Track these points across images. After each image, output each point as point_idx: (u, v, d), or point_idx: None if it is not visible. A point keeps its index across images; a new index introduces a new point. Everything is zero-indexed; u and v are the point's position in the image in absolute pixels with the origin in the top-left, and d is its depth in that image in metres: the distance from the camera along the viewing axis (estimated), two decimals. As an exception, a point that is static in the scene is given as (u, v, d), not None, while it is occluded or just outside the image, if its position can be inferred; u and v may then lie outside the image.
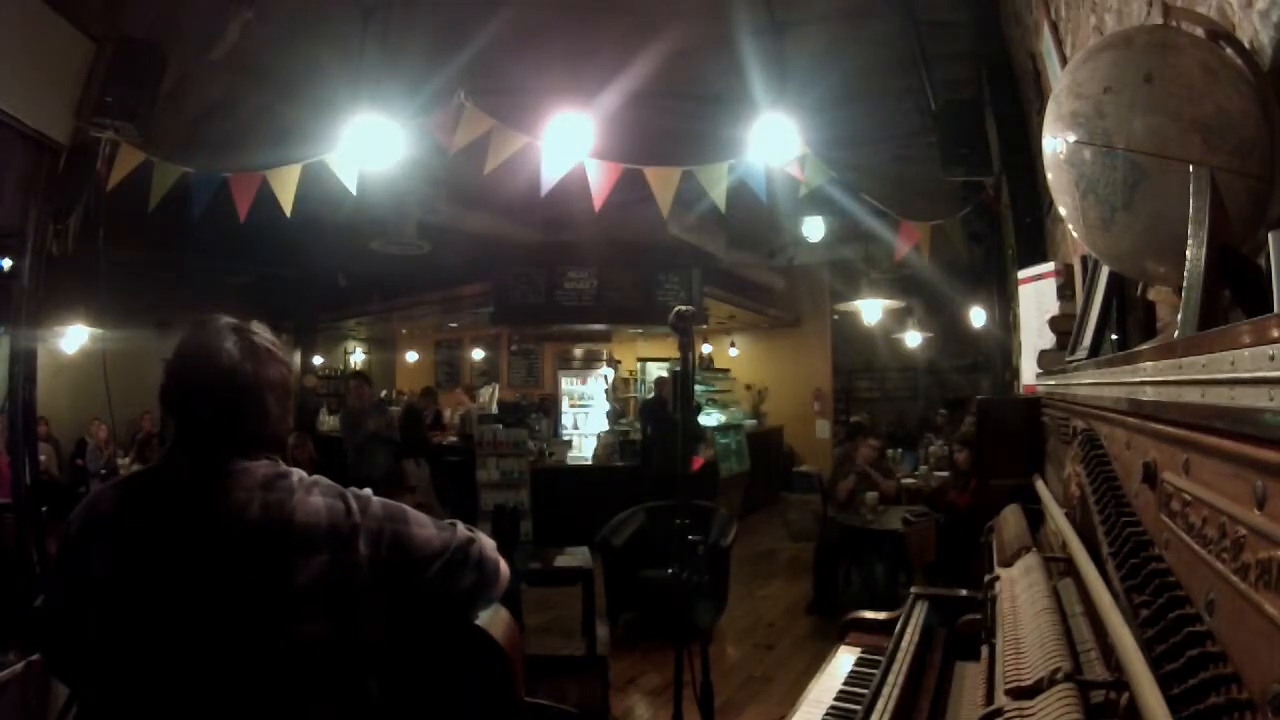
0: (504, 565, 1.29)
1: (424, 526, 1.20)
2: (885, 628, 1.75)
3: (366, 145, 3.83)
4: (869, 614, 1.91)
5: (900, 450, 7.87)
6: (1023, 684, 0.78)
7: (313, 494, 1.11)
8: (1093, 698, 0.75)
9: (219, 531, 1.05)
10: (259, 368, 1.15)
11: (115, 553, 1.06)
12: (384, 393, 12.10)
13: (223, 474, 1.08)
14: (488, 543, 1.28)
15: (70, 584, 1.09)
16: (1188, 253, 0.83)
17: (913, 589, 1.90)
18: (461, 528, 1.27)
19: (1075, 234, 1.15)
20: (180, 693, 1.01)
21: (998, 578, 1.25)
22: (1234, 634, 0.55)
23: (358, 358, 14.49)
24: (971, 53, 4.16)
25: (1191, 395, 0.61)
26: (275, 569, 1.04)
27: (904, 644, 1.52)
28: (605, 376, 10.55)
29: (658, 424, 6.71)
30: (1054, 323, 2.24)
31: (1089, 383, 1.21)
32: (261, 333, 1.20)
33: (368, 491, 1.20)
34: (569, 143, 3.87)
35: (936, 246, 4.71)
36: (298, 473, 1.14)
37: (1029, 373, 2.57)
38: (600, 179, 3.95)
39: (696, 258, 8.32)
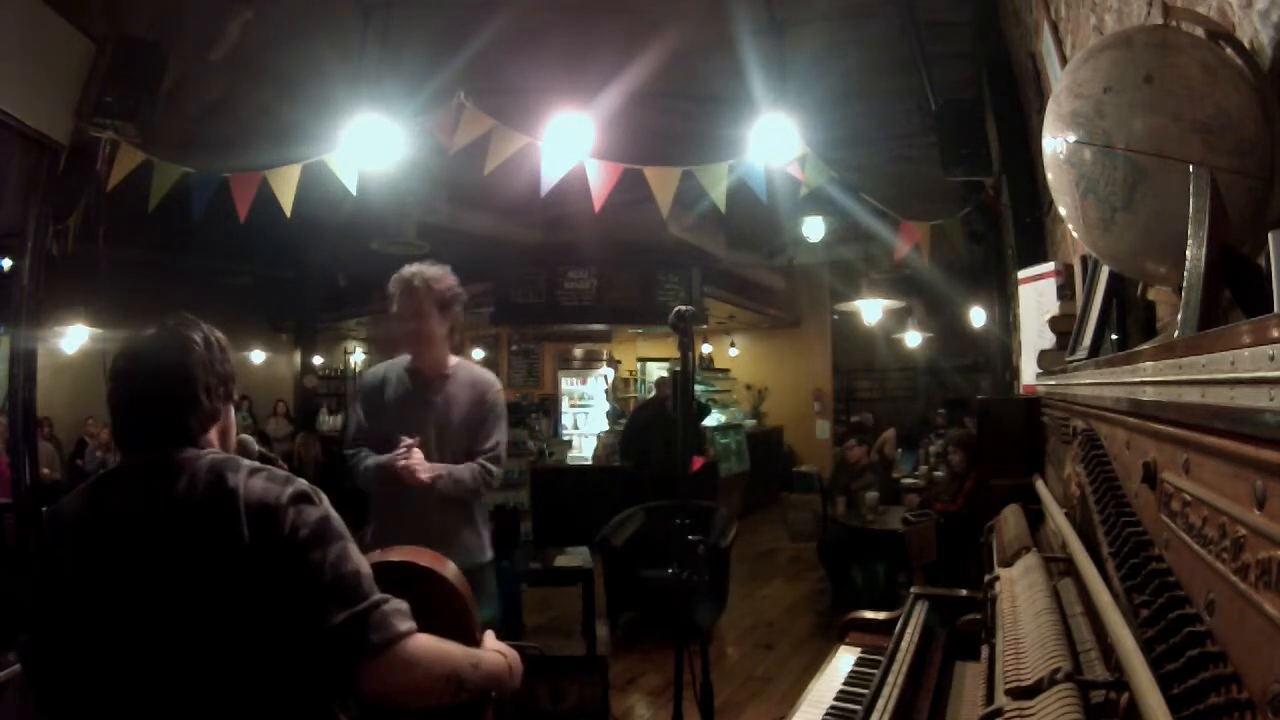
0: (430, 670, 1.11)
1: (353, 560, 1.10)
2: (885, 628, 1.75)
3: (366, 145, 3.83)
4: (869, 614, 1.91)
5: (900, 450, 7.87)
6: (1023, 684, 0.78)
7: (255, 478, 1.10)
8: (1093, 698, 0.75)
9: (167, 518, 1.06)
10: (172, 358, 1.16)
11: (77, 553, 1.08)
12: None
13: (170, 464, 1.10)
14: (424, 645, 1.11)
15: (41, 590, 1.11)
16: (1188, 253, 0.83)
17: (913, 589, 1.90)
18: (396, 614, 1.10)
19: (1075, 234, 1.15)
20: (144, 685, 1.03)
21: (998, 578, 1.25)
22: (1234, 634, 0.55)
23: (358, 358, 14.48)
24: (971, 53, 4.17)
25: (1191, 395, 0.61)
26: (220, 546, 1.04)
27: (904, 644, 1.52)
28: (605, 376, 10.56)
29: (659, 426, 6.70)
30: (1054, 323, 2.23)
31: (1089, 383, 1.21)
32: (185, 327, 1.19)
33: (324, 500, 1.13)
34: (569, 143, 3.87)
35: (936, 246, 4.70)
36: (248, 462, 1.14)
37: (1029, 373, 2.57)
38: (600, 179, 3.95)
39: (696, 258, 8.32)
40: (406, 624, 1.10)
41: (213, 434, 1.20)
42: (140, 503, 1.08)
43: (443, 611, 1.30)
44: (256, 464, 1.12)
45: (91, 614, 1.05)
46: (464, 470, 2.37)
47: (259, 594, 1.03)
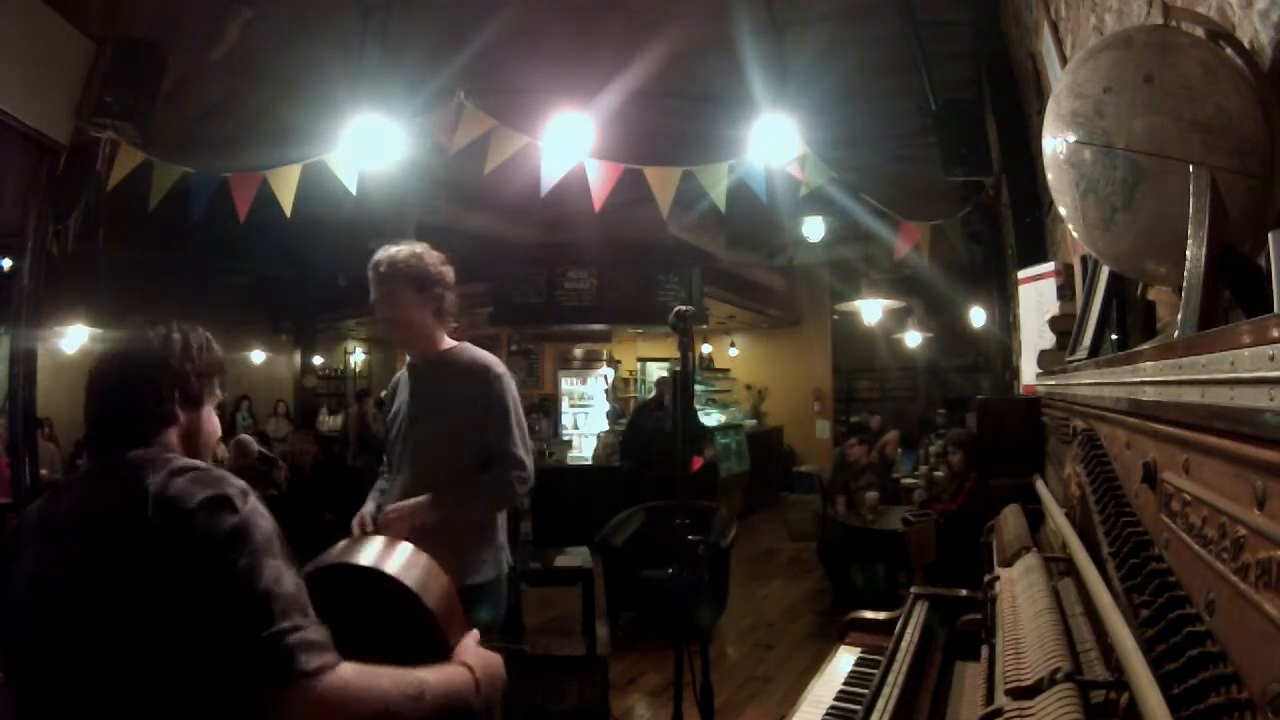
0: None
1: (264, 578, 0.97)
2: (885, 628, 1.75)
3: (366, 145, 3.83)
4: (869, 614, 1.91)
5: (900, 450, 7.87)
6: (1023, 684, 0.78)
7: (177, 478, 1.01)
8: (1093, 698, 0.75)
9: (89, 519, 1.03)
10: (116, 364, 1.15)
11: (25, 555, 1.06)
12: (384, 393, 12.12)
13: (111, 467, 1.07)
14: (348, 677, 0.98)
15: (4, 592, 1.09)
16: (1188, 253, 0.83)
17: (913, 589, 1.90)
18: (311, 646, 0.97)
19: (1075, 234, 1.15)
20: (72, 694, 0.99)
21: (998, 578, 1.25)
22: (1234, 634, 0.55)
23: (358, 358, 14.48)
24: (971, 53, 4.17)
25: (1191, 395, 0.61)
26: (123, 550, 0.98)
27: (904, 644, 1.52)
28: (605, 376, 10.55)
29: (659, 426, 6.69)
30: (1054, 323, 2.24)
31: (1089, 383, 1.21)
32: (146, 329, 1.17)
33: (250, 504, 1.02)
34: (569, 143, 3.87)
35: (936, 246, 4.71)
36: (183, 462, 1.06)
37: (1029, 373, 2.57)
38: (600, 179, 3.95)
39: (696, 258, 8.32)
40: (317, 659, 0.96)
41: (171, 436, 1.14)
42: (77, 505, 1.06)
43: (401, 618, 1.20)
44: (190, 464, 1.05)
45: (35, 616, 1.02)
46: (471, 487, 2.11)
47: (158, 606, 0.95)
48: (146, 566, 0.96)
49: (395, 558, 1.27)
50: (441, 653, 1.21)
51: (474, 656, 1.23)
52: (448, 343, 2.24)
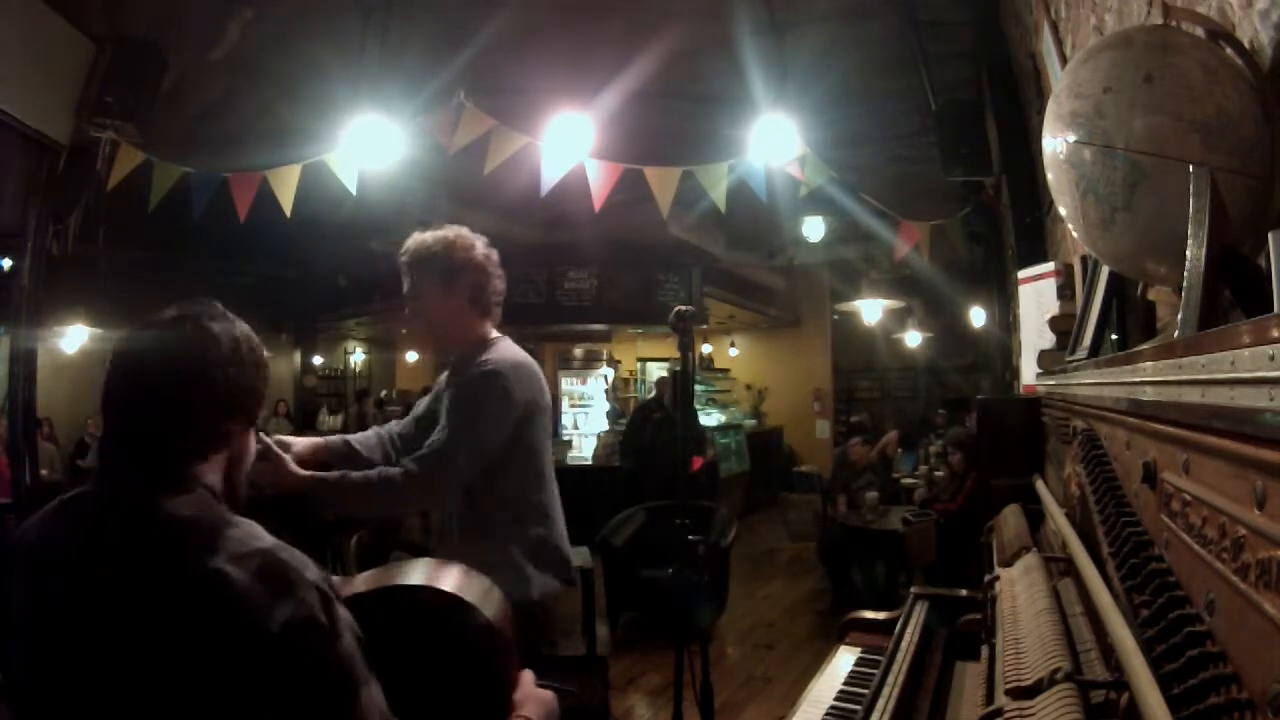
0: None
1: (372, 709, 0.84)
2: (885, 628, 1.75)
3: (366, 145, 3.84)
4: (869, 614, 1.91)
5: (900, 450, 7.87)
6: (1023, 684, 0.78)
7: (241, 568, 0.81)
8: (1093, 698, 0.75)
9: (118, 579, 0.82)
10: (157, 370, 0.91)
11: (16, 589, 0.89)
12: (384, 392, 12.13)
13: (137, 506, 0.86)
14: None
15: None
16: (1188, 253, 0.83)
17: (913, 589, 1.90)
18: None
19: (1075, 234, 1.15)
20: None
21: (998, 578, 1.25)
22: (1234, 634, 0.55)
23: (358, 358, 14.49)
24: (971, 53, 4.17)
25: (1191, 395, 0.61)
26: (178, 655, 0.79)
27: (904, 644, 1.52)
28: (605, 376, 10.57)
29: (656, 427, 6.70)
30: (1054, 323, 2.23)
31: (1089, 383, 1.21)
32: (196, 322, 0.96)
33: (338, 616, 0.85)
34: (569, 143, 3.88)
35: (936, 246, 4.71)
36: (238, 532, 0.85)
37: (1029, 373, 2.57)
38: (600, 179, 3.95)
39: (696, 258, 8.32)
40: None
41: (212, 464, 0.93)
42: (91, 548, 0.85)
43: (453, 648, 1.07)
44: (253, 548, 0.84)
45: (30, 650, 0.86)
46: (357, 477, 1.73)
47: (211, 708, 0.79)
48: (200, 668, 0.79)
49: (448, 576, 1.12)
50: (497, 687, 1.09)
51: (535, 706, 1.10)
52: (490, 335, 1.99)
